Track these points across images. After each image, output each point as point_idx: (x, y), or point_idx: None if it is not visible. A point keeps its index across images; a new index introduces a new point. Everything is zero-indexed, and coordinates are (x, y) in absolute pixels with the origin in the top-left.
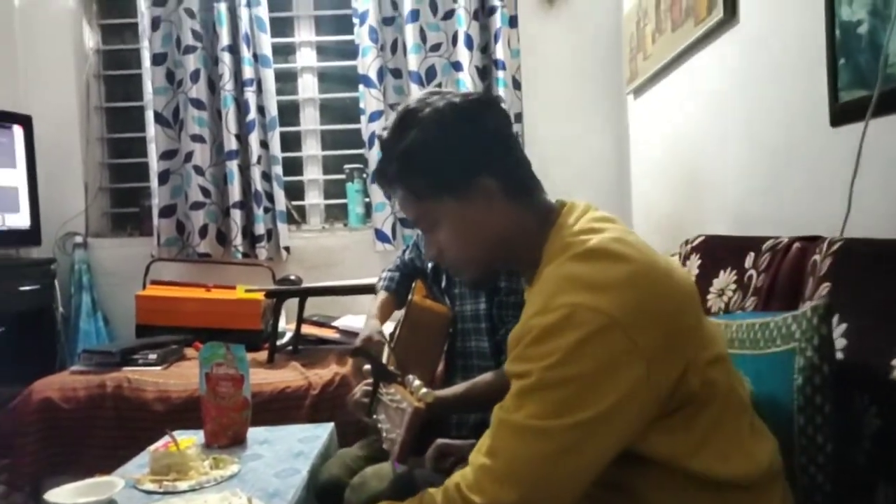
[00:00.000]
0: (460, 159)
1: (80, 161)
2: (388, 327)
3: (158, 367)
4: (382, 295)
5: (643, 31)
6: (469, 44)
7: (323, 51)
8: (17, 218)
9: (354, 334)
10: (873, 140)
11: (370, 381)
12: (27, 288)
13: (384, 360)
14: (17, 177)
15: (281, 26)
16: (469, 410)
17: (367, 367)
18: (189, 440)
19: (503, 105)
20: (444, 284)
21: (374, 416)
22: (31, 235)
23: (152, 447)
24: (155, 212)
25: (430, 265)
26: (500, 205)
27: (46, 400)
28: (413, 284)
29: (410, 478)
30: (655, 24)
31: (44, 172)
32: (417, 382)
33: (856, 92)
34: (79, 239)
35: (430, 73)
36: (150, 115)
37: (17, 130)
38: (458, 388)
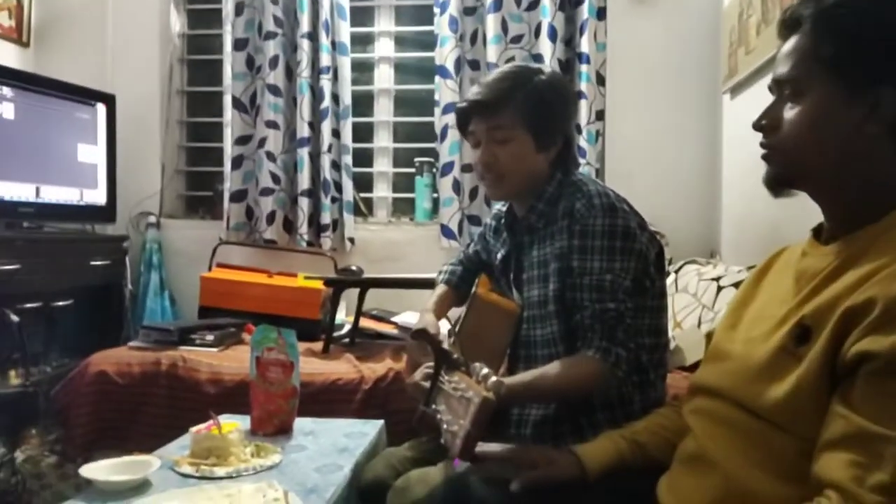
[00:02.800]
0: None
1: (158, 142)
2: (445, 325)
3: (215, 349)
4: (441, 288)
5: (746, 23)
6: (553, 36)
7: (401, 41)
8: (95, 194)
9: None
10: None
11: (431, 363)
12: (99, 263)
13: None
14: (97, 154)
15: (361, 15)
16: (534, 401)
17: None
18: (233, 424)
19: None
20: (513, 275)
21: (434, 406)
22: (107, 212)
23: (194, 428)
24: (226, 196)
25: (500, 255)
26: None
27: (102, 373)
28: (477, 279)
29: (464, 482)
30: (761, 14)
31: (123, 151)
32: (486, 371)
33: None
34: (152, 219)
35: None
36: (227, 100)
37: (101, 108)
38: (524, 376)
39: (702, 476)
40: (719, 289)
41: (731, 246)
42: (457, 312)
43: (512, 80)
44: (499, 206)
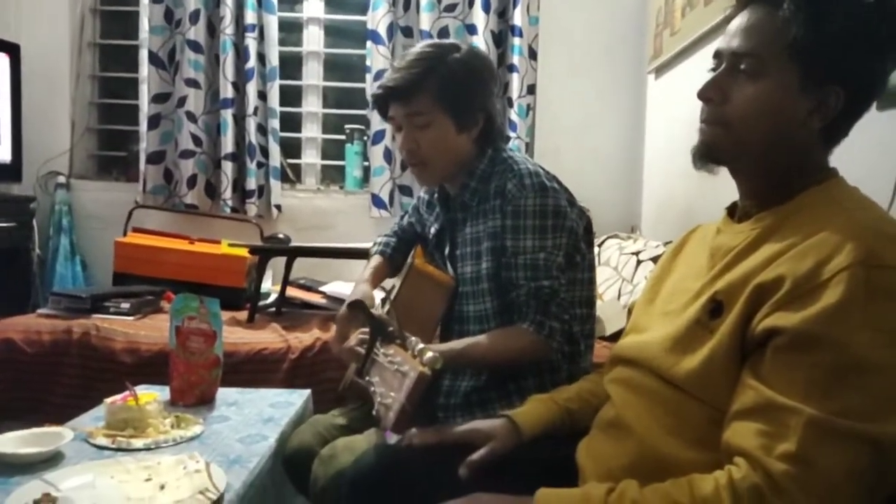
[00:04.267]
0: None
1: (67, 97)
2: (379, 295)
3: (131, 318)
4: (376, 259)
5: (672, 6)
6: (486, 6)
7: (332, 2)
8: None
9: (342, 301)
10: None
11: (365, 330)
12: (3, 225)
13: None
14: (0, 108)
15: None
16: (465, 367)
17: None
18: (151, 395)
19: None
20: (447, 250)
21: (367, 378)
22: (12, 171)
23: (109, 399)
24: (142, 157)
25: (433, 230)
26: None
27: (8, 341)
28: (413, 250)
29: (393, 450)
30: None
31: (29, 106)
32: (422, 345)
33: None
34: (61, 179)
35: (443, 33)
36: (144, 55)
37: (3, 59)
38: (457, 343)
39: (618, 441)
40: (638, 262)
41: (651, 222)
42: (390, 283)
43: (425, 63)
44: None
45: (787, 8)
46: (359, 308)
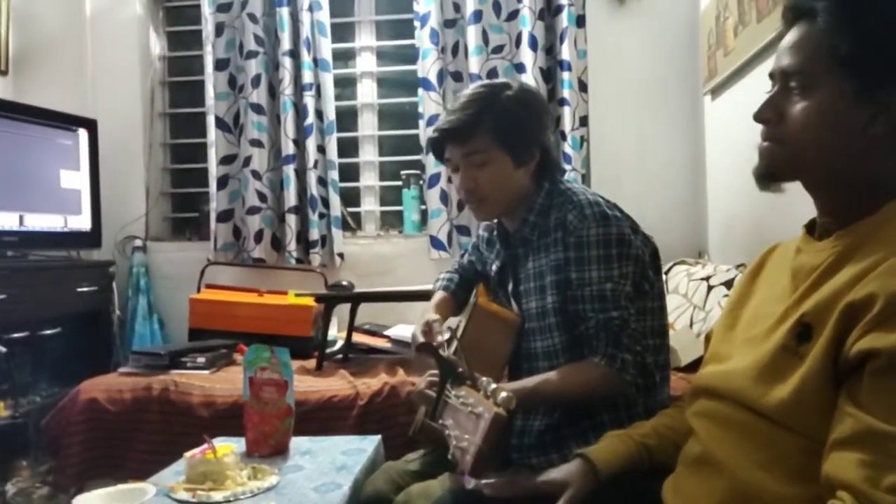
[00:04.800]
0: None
1: (142, 165)
2: (446, 334)
3: (206, 371)
4: (440, 294)
5: (723, 26)
6: (533, 45)
7: (383, 55)
8: (79, 220)
9: (407, 344)
10: None
11: (435, 372)
12: (85, 289)
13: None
14: (80, 179)
15: (342, 31)
16: (538, 406)
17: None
18: (228, 447)
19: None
20: (510, 287)
21: (440, 421)
22: (92, 238)
23: (189, 453)
24: (213, 216)
25: (494, 267)
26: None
27: (92, 401)
28: (476, 289)
29: (470, 495)
30: (738, 16)
31: (106, 176)
32: (494, 385)
33: None
34: (138, 242)
35: (492, 75)
36: (211, 120)
37: (83, 134)
38: (527, 381)
39: (707, 478)
40: (709, 288)
41: (719, 245)
42: (454, 322)
43: (480, 103)
44: None
45: (823, 19)
46: (426, 349)
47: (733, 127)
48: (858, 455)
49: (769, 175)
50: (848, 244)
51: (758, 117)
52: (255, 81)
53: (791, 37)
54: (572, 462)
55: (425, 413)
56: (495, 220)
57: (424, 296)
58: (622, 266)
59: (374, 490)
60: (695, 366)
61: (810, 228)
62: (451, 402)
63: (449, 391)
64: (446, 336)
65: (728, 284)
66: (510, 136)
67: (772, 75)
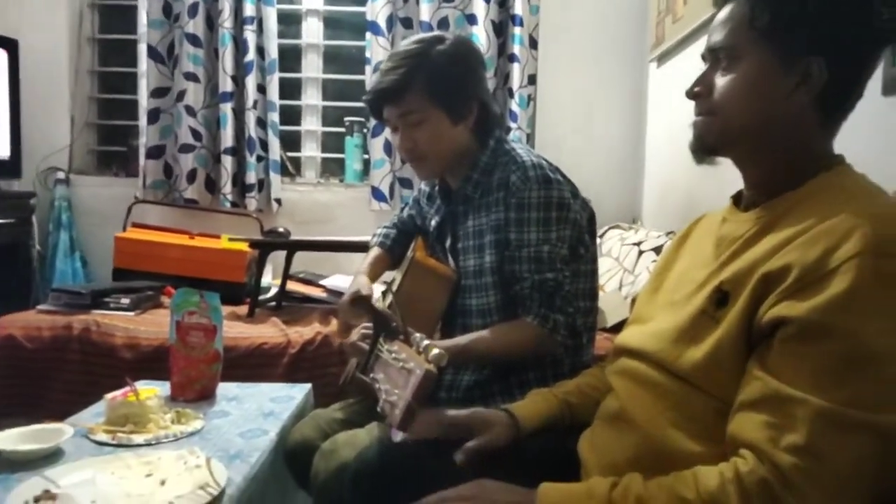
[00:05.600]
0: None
1: (67, 93)
2: (379, 288)
3: (131, 313)
4: (375, 251)
5: None
6: None
7: None
8: None
9: (342, 294)
10: None
11: (368, 325)
12: (3, 221)
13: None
14: None
15: None
16: (470, 363)
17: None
18: (152, 390)
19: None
20: (448, 242)
21: (371, 376)
22: (11, 167)
23: (110, 395)
24: (142, 152)
25: (434, 222)
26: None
27: (9, 337)
28: (413, 243)
29: (398, 444)
30: None
31: (28, 102)
32: (427, 342)
33: None
34: (61, 175)
35: (443, 24)
36: (143, 49)
37: (2, 54)
38: (460, 339)
39: (622, 433)
40: (640, 253)
41: (652, 212)
42: (390, 276)
43: (411, 61)
44: None
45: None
46: (362, 303)
47: (675, 96)
48: (762, 416)
49: (703, 148)
50: (770, 216)
51: (689, 93)
52: (192, 10)
53: (719, 15)
54: (496, 411)
55: (357, 366)
56: None
57: (363, 247)
58: (560, 229)
59: (300, 437)
60: (621, 327)
61: (737, 200)
62: (382, 357)
63: (381, 345)
64: (378, 294)
65: (658, 250)
66: (444, 93)
67: (703, 56)
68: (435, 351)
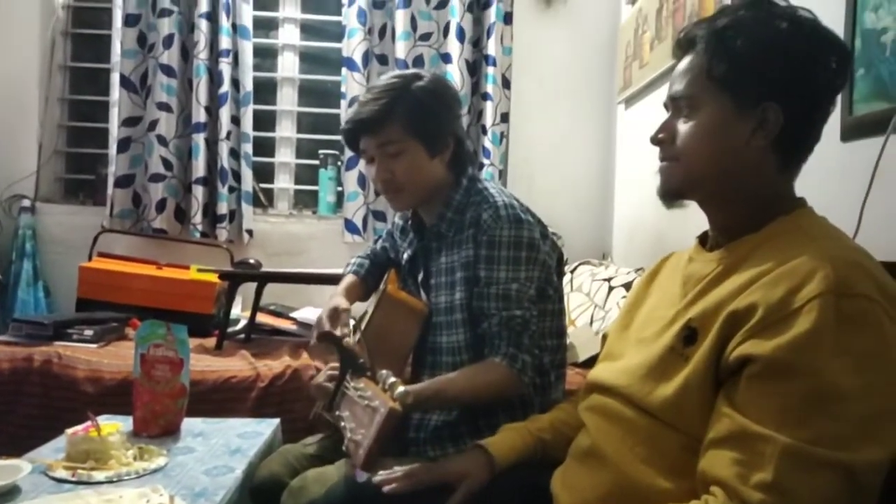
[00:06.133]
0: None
1: (35, 120)
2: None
3: (94, 345)
4: (350, 278)
5: (641, 39)
6: (461, 36)
7: (307, 29)
8: None
9: (312, 327)
10: (893, 156)
11: (335, 365)
12: None
13: (350, 347)
14: None
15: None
16: (441, 408)
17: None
18: (114, 426)
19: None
20: (420, 277)
21: (337, 413)
22: None
23: (70, 430)
24: (111, 180)
25: (406, 256)
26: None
27: None
28: (386, 275)
29: (368, 487)
30: (655, 32)
31: None
32: (393, 379)
33: (875, 104)
34: (26, 202)
35: (418, 62)
36: (115, 78)
37: None
38: (432, 383)
39: (593, 470)
40: (610, 289)
41: (622, 249)
42: (361, 308)
43: (391, 93)
44: None
45: (701, 46)
46: (328, 339)
47: (642, 138)
48: (731, 454)
49: (670, 192)
50: (734, 257)
51: (654, 139)
52: (167, 42)
53: (679, 66)
54: (470, 452)
55: (323, 407)
56: (409, 211)
57: (334, 279)
58: (529, 269)
59: (269, 472)
60: (592, 362)
61: (703, 240)
62: (349, 394)
63: (348, 382)
64: (349, 327)
65: (628, 286)
66: (423, 126)
67: (665, 105)
68: (400, 388)
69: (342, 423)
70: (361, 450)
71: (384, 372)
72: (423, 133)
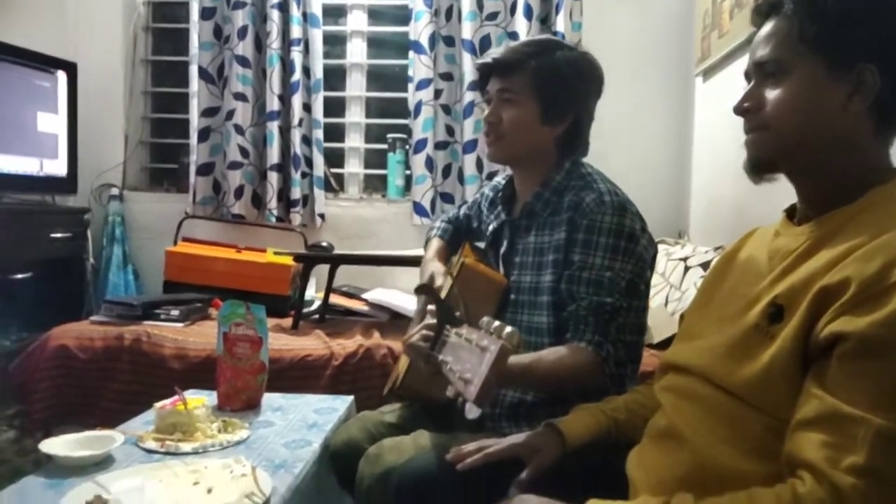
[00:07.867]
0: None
1: (121, 113)
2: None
3: (180, 324)
4: (438, 242)
5: (720, 7)
6: (528, 14)
7: (374, 15)
8: (55, 165)
9: (384, 308)
10: None
11: (430, 322)
12: (59, 235)
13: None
14: (57, 123)
15: None
16: (527, 386)
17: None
18: (200, 400)
19: None
20: (503, 249)
21: (441, 358)
22: (68, 183)
23: (159, 404)
24: (192, 169)
25: (491, 227)
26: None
27: (63, 347)
28: (461, 247)
29: (443, 455)
30: None
31: (85, 121)
32: (497, 323)
33: None
34: (115, 191)
35: (485, 42)
36: (194, 70)
37: (61, 76)
38: (522, 357)
39: (671, 451)
40: (686, 269)
41: (699, 227)
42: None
43: (533, 48)
44: (498, 179)
45: (788, 8)
46: (426, 291)
47: (722, 110)
48: (821, 436)
49: (760, 164)
50: (825, 230)
51: (738, 110)
52: (242, 33)
53: (762, 31)
54: (542, 430)
55: (427, 345)
56: (504, 181)
57: (405, 261)
58: (625, 261)
59: (347, 436)
60: (667, 343)
61: (790, 214)
62: (450, 340)
63: (448, 330)
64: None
65: (705, 266)
66: (547, 90)
67: (747, 74)
68: (508, 329)
69: (447, 366)
70: (473, 386)
71: (486, 318)
72: (545, 96)
